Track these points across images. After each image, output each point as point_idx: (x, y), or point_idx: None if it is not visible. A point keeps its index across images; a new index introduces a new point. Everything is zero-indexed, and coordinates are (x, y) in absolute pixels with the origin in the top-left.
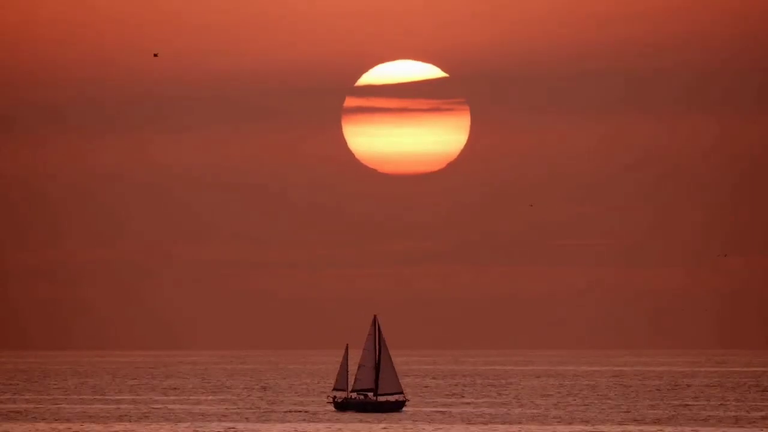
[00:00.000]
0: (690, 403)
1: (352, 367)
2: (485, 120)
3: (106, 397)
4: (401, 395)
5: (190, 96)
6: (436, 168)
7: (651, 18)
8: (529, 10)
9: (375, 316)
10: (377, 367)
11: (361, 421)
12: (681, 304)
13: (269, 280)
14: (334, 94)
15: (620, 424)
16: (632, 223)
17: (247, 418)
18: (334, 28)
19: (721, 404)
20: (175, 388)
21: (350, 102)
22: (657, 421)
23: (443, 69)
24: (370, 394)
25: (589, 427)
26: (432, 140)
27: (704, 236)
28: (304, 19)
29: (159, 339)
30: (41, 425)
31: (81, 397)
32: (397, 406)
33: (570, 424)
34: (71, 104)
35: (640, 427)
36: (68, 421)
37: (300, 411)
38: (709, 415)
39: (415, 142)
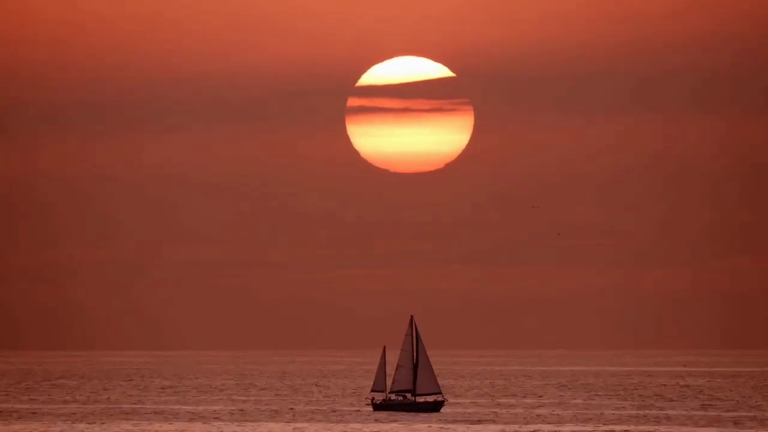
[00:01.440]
0: None
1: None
2: (497, 119)
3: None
4: (439, 395)
5: (186, 97)
6: (434, 168)
7: (660, 19)
8: (538, 11)
9: (412, 317)
10: (415, 368)
11: (399, 421)
12: (690, 303)
13: (273, 280)
14: (336, 93)
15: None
16: (641, 224)
17: (286, 418)
18: (336, 24)
19: None
20: (221, 389)
21: (353, 102)
22: None
23: (451, 68)
24: (409, 395)
25: (647, 427)
26: (434, 140)
27: (713, 237)
28: (307, 16)
29: (157, 339)
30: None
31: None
32: (435, 407)
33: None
34: (64, 105)
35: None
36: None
37: (337, 411)
38: None
39: (417, 142)
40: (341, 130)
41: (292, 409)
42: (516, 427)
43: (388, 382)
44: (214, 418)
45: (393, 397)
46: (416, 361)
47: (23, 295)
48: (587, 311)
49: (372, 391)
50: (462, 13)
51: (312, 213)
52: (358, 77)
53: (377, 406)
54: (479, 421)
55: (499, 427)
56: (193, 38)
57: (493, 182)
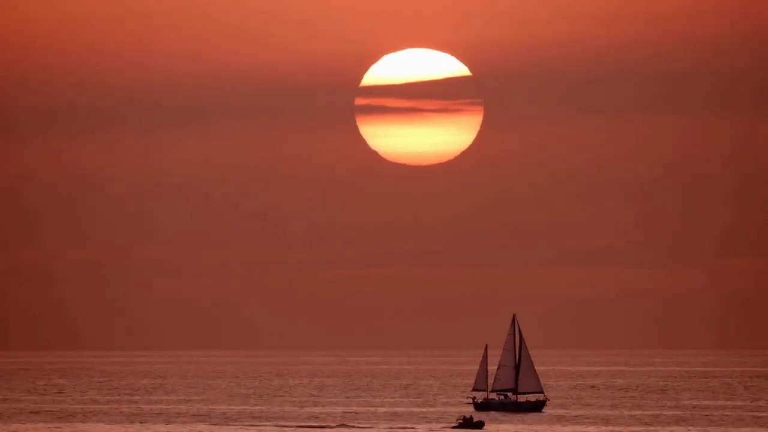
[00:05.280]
0: None
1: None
2: (525, 119)
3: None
4: (541, 395)
5: (182, 99)
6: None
7: (679, 20)
8: (552, 12)
9: (514, 316)
10: (517, 367)
11: (503, 421)
12: (709, 303)
13: (285, 280)
14: (342, 90)
15: None
16: (660, 224)
17: (384, 418)
18: (343, 19)
19: None
20: (322, 388)
21: (360, 101)
22: None
23: (468, 65)
24: (510, 394)
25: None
26: (440, 140)
27: (730, 236)
28: (314, 12)
29: (151, 341)
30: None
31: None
32: (537, 406)
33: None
34: (47, 108)
35: None
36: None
37: (439, 411)
38: None
39: (427, 142)
40: (354, 129)
41: (391, 409)
42: (623, 428)
43: (490, 381)
44: (317, 417)
45: (494, 396)
46: (518, 360)
47: (6, 295)
48: (617, 312)
49: (473, 389)
50: (482, 13)
51: (319, 210)
52: (365, 71)
53: (478, 406)
54: (580, 422)
55: (605, 428)
56: (185, 41)
57: (515, 182)
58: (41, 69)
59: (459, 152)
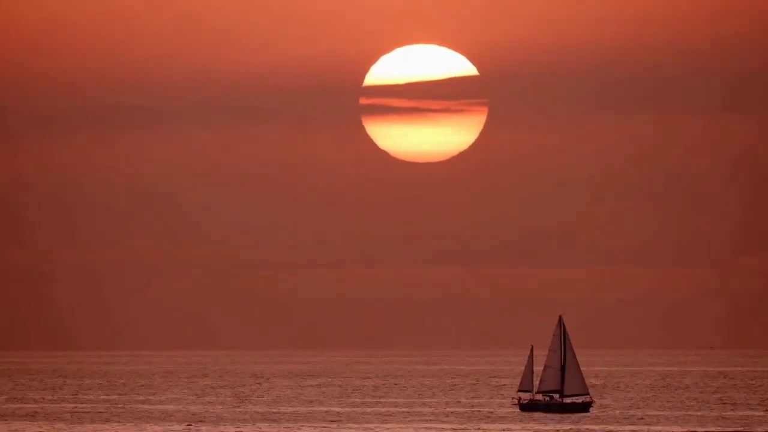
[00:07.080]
0: None
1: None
2: (545, 118)
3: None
4: (587, 396)
5: (181, 101)
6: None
7: (690, 20)
8: (564, 10)
9: (560, 317)
10: (563, 368)
11: (547, 422)
12: (723, 303)
13: (295, 281)
14: (344, 90)
15: None
16: (671, 224)
17: (432, 419)
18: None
19: None
20: (370, 389)
21: (364, 101)
22: None
23: (475, 63)
24: (556, 396)
25: None
26: (441, 140)
27: (741, 236)
28: (320, 10)
29: (149, 340)
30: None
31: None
32: (583, 408)
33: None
34: (41, 108)
35: None
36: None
37: (484, 412)
38: None
39: (423, 142)
40: (354, 129)
41: (439, 410)
42: (668, 427)
43: (535, 382)
44: (358, 418)
45: (539, 397)
46: (564, 361)
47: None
48: (635, 311)
49: (519, 390)
50: (494, 11)
51: (325, 209)
52: (367, 71)
53: (524, 407)
54: (628, 422)
55: (657, 428)
56: (183, 42)
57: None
58: (32, 70)
59: (458, 152)
